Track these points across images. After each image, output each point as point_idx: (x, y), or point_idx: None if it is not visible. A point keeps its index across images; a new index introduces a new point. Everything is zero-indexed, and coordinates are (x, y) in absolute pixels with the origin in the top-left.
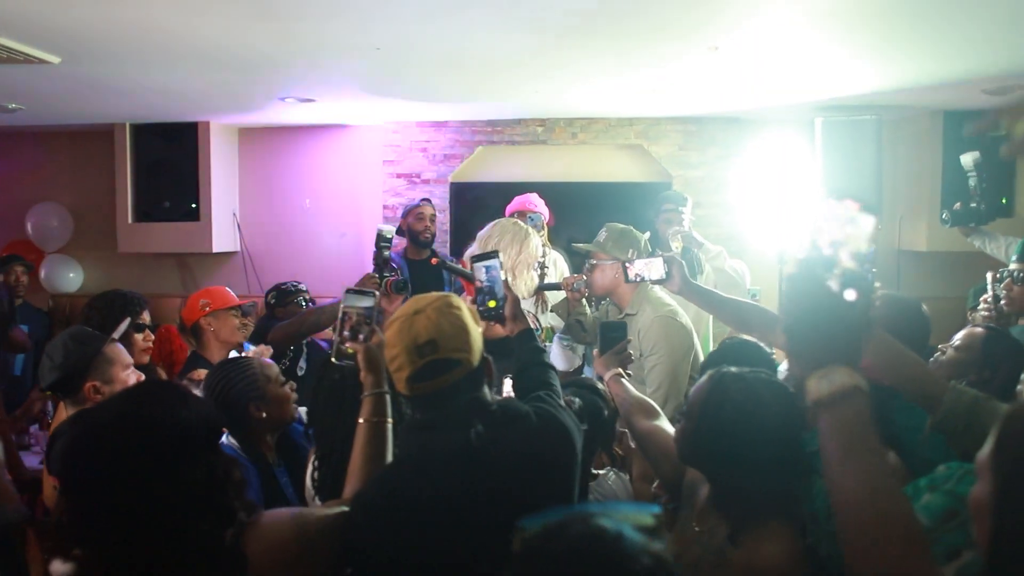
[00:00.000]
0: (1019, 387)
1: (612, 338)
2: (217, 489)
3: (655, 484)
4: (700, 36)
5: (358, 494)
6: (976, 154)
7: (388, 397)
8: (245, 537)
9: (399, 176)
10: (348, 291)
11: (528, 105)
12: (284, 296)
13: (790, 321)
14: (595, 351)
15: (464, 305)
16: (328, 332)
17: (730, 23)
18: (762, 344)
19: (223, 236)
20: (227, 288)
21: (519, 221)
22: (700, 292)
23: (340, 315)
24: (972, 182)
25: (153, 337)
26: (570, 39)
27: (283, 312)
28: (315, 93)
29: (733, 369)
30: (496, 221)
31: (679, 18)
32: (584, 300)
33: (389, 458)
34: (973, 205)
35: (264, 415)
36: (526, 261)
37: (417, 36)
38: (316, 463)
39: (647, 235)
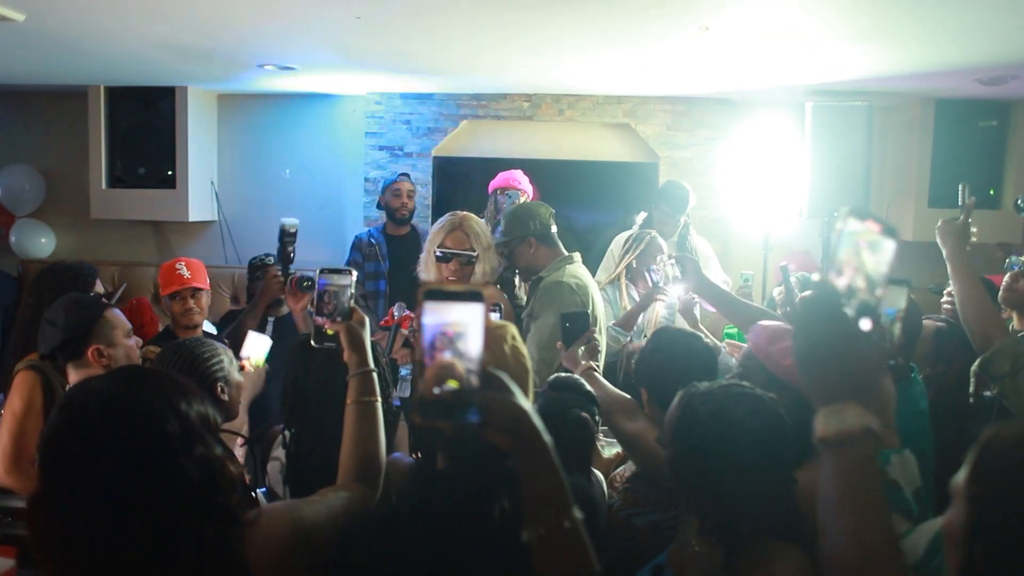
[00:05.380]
0: (972, 379)
1: (575, 329)
2: (216, 488)
3: (614, 475)
4: (691, 15)
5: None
6: None
7: (376, 376)
8: (245, 538)
9: (381, 149)
10: (323, 271)
11: (514, 80)
12: (254, 271)
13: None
14: (558, 344)
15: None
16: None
17: (722, 2)
18: (698, 333)
19: (200, 205)
20: (179, 268)
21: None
22: (716, 292)
23: (317, 296)
24: None
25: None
26: (556, 13)
27: (256, 288)
28: (296, 61)
29: (702, 386)
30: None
31: None
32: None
33: (382, 438)
34: None
35: (226, 399)
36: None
37: (398, 6)
38: (288, 444)
39: (642, 215)
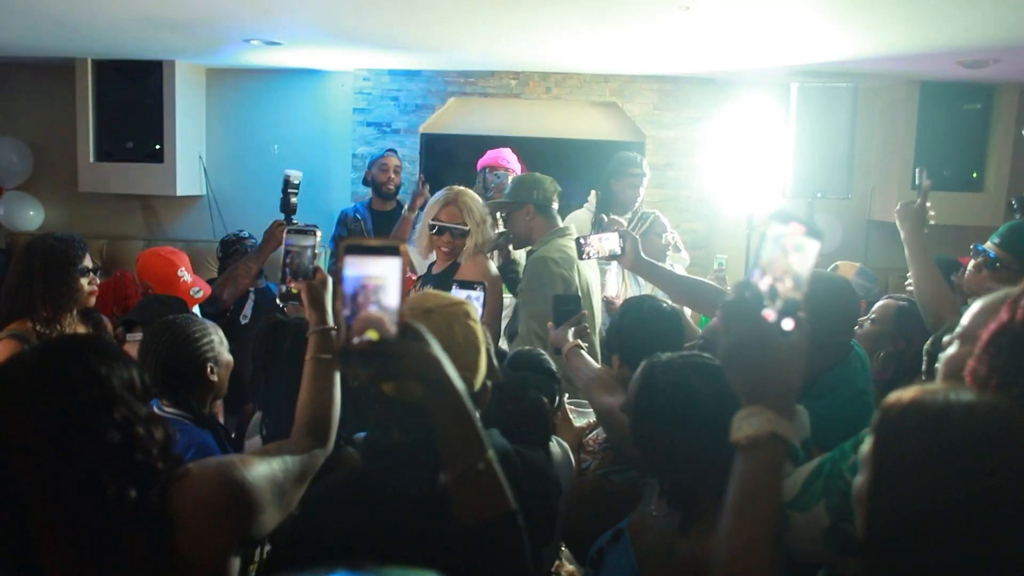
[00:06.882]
0: (925, 357)
1: (566, 311)
2: (137, 449)
3: (587, 440)
4: None
5: (308, 496)
6: None
7: (334, 334)
8: (171, 492)
9: (369, 125)
10: (290, 231)
11: (502, 57)
12: (228, 247)
13: (724, 350)
14: (550, 324)
15: (479, 319)
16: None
17: None
18: (664, 302)
19: (188, 179)
20: (182, 276)
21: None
22: (652, 269)
23: (283, 256)
24: None
25: (97, 280)
26: None
27: (230, 264)
28: (282, 36)
29: (664, 356)
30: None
31: None
32: (516, 259)
33: (336, 396)
34: None
35: (216, 379)
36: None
37: None
38: (263, 417)
39: (593, 193)
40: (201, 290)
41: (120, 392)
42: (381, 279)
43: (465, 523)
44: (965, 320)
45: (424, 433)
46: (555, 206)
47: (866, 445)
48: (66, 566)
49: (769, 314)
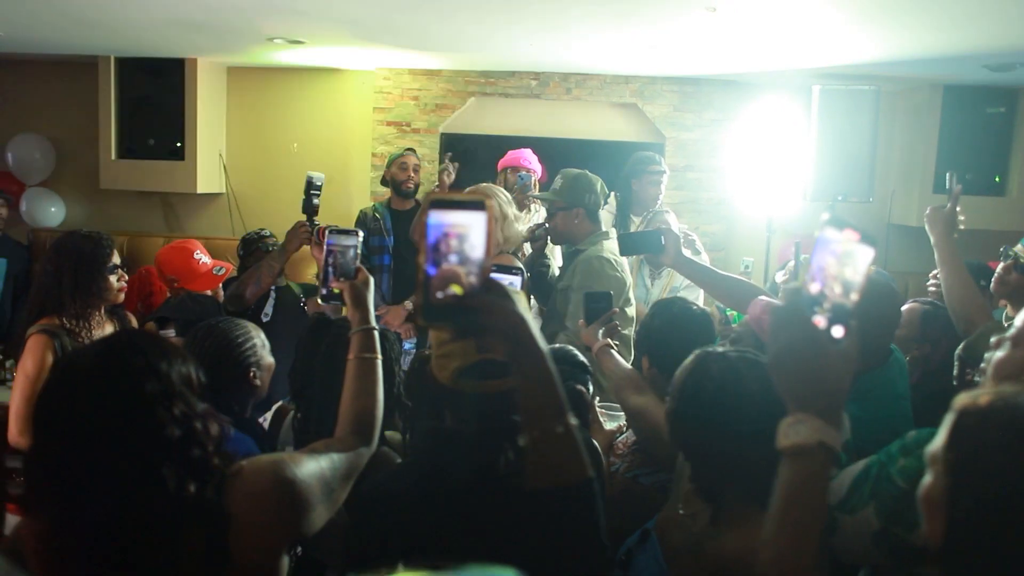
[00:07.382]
0: (956, 362)
1: (597, 309)
2: (196, 444)
3: (617, 443)
4: None
5: (358, 491)
6: None
7: (376, 334)
8: (227, 489)
9: (389, 124)
10: (331, 231)
11: (522, 58)
12: (249, 245)
13: (773, 356)
14: (580, 322)
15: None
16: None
17: None
18: (694, 304)
19: (208, 177)
20: (199, 256)
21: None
22: (693, 267)
23: (324, 255)
24: None
25: (126, 276)
26: None
27: (251, 262)
28: (304, 35)
29: (718, 348)
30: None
31: None
32: (548, 253)
33: (379, 395)
34: None
35: (258, 383)
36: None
37: None
38: (295, 423)
39: (612, 195)
40: (223, 267)
41: (179, 387)
42: (465, 228)
43: (537, 488)
44: (1019, 322)
45: (477, 418)
46: (602, 211)
47: (935, 447)
48: (125, 562)
49: (820, 320)
